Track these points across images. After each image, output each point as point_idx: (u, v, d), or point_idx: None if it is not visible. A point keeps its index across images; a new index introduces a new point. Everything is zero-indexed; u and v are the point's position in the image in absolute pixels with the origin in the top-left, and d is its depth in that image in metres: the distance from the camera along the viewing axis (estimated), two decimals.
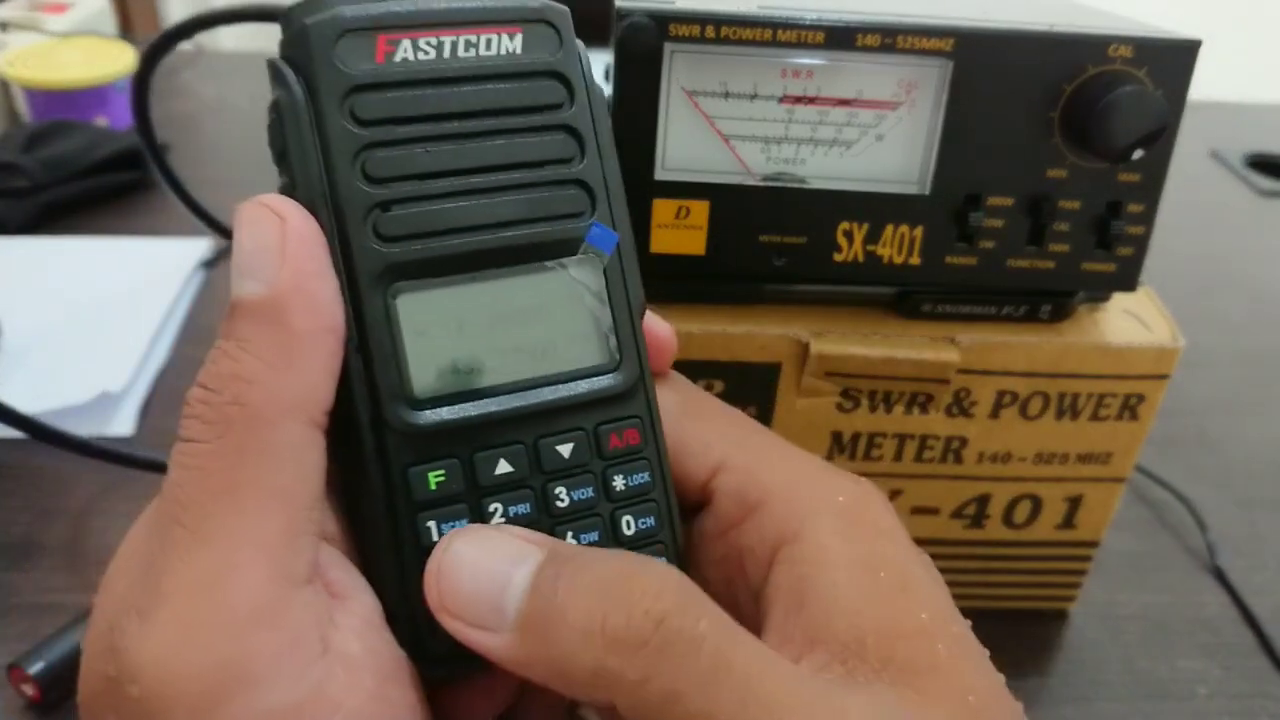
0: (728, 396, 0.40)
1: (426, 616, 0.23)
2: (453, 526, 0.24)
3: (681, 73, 0.36)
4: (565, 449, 0.25)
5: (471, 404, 0.24)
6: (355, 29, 0.23)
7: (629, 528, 0.25)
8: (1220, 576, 0.52)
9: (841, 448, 0.42)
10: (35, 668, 0.40)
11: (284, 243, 0.22)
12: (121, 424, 0.56)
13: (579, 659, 0.21)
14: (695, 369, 0.40)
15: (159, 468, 0.47)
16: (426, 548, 0.23)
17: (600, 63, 0.47)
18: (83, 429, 0.55)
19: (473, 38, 0.24)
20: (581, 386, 0.25)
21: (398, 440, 0.23)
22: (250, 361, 0.22)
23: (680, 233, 0.38)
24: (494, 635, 0.22)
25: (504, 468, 0.24)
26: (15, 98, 0.88)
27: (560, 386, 0.25)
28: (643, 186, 0.37)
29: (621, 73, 0.36)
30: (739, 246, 0.39)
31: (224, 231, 0.54)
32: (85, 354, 0.61)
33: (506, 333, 0.24)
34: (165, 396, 0.59)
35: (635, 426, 0.26)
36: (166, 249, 0.72)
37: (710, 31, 0.35)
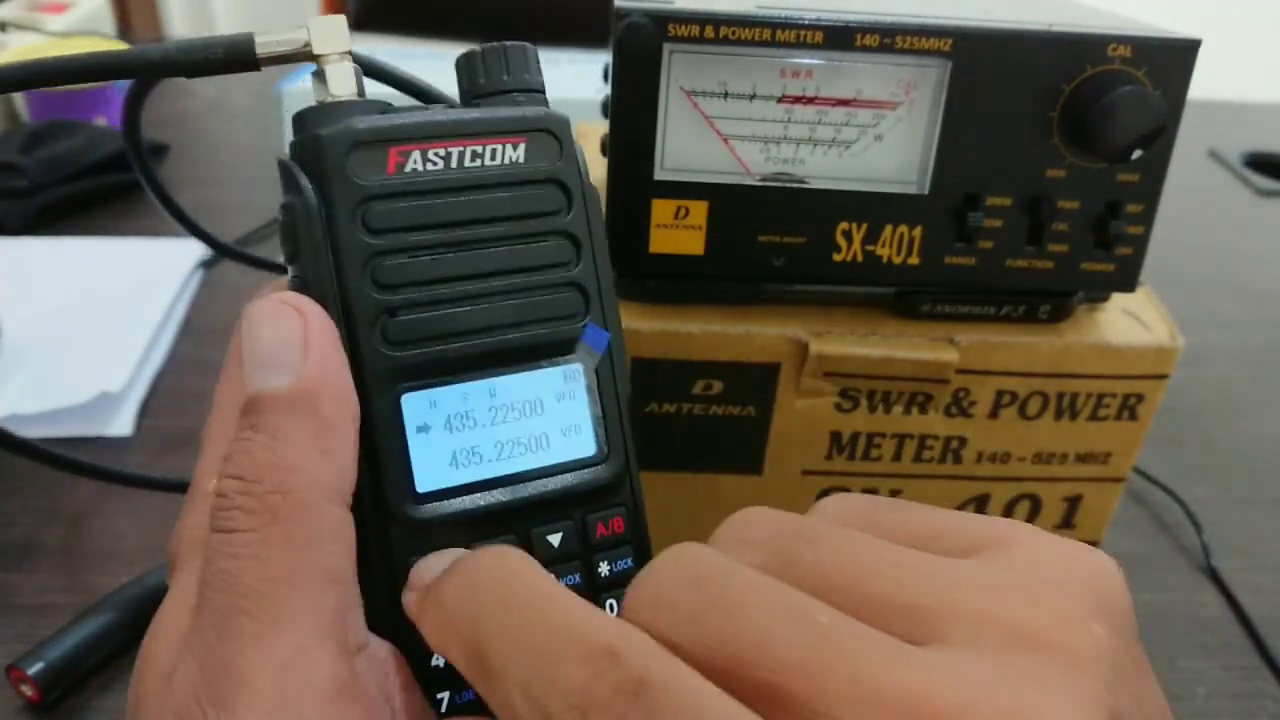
0: (727, 397, 0.40)
1: (431, 691, 0.24)
2: None
3: (680, 73, 0.36)
4: (555, 538, 0.26)
5: (469, 497, 0.25)
6: (368, 141, 0.24)
7: (613, 611, 0.26)
8: (1215, 577, 0.52)
9: (840, 448, 0.42)
10: (34, 668, 0.40)
11: (306, 336, 0.23)
12: (121, 424, 0.56)
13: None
14: (695, 369, 0.40)
15: (146, 484, 0.46)
16: None
17: (600, 63, 0.47)
18: (82, 429, 0.56)
19: (479, 148, 0.25)
20: (571, 478, 0.26)
21: (399, 532, 0.24)
22: (287, 451, 0.22)
23: (679, 233, 0.38)
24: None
25: None
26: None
27: (552, 479, 0.26)
28: (642, 186, 0.37)
29: (621, 73, 0.36)
30: (738, 246, 0.39)
31: (216, 245, 0.53)
32: (84, 354, 0.60)
33: (503, 428, 0.25)
34: (164, 397, 0.59)
35: (621, 515, 0.27)
36: (166, 249, 0.72)
37: (709, 31, 0.35)
